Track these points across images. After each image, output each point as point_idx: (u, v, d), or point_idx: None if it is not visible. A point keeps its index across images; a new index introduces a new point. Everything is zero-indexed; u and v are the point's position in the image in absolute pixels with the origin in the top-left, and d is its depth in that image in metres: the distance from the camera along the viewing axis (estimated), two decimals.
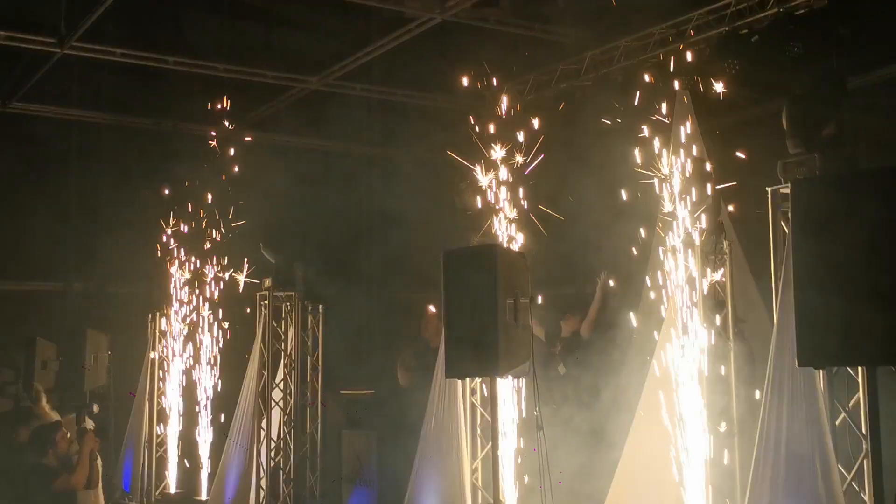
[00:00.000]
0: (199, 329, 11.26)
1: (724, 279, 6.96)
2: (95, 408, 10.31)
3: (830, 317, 4.17)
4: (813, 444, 5.40)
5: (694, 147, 7.64)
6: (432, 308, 9.41)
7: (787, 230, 5.83)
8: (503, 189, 7.97)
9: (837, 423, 5.53)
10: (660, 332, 7.18)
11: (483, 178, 7.91)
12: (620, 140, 9.85)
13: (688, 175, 7.04)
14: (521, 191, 7.99)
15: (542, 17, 11.50)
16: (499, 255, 5.81)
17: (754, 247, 7.74)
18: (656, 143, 8.01)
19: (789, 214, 4.54)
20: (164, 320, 11.90)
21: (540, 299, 6.66)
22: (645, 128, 8.15)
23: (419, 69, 12.53)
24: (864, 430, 5.34)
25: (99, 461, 8.95)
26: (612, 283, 8.69)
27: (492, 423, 6.00)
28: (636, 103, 10.20)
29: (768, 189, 5.91)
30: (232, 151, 12.00)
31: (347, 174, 12.91)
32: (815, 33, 9.92)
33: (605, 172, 9.10)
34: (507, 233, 7.66)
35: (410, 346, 9.85)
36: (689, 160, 7.46)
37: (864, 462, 5.30)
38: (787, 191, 5.78)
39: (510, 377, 6.05)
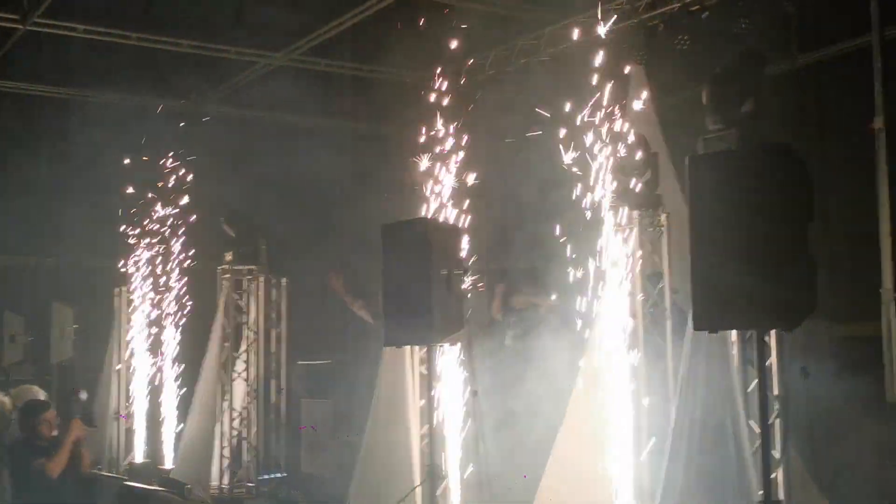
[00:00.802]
0: (163, 301, 11.42)
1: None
2: (84, 395, 10.19)
3: (721, 284, 4.44)
4: (725, 407, 5.70)
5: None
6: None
7: None
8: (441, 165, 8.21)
9: (749, 388, 5.84)
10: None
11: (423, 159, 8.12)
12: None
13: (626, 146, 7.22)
14: (452, 166, 8.25)
15: None
16: (430, 227, 6.06)
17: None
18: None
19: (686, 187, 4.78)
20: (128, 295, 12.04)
21: None
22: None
23: (382, 44, 12.67)
24: (775, 392, 5.64)
25: (87, 451, 8.62)
26: None
27: (427, 390, 6.25)
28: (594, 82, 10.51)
29: (686, 159, 6.13)
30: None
31: (307, 148, 13.07)
32: (763, 10, 10.19)
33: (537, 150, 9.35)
34: (447, 208, 7.87)
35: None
36: (631, 132, 7.64)
37: (776, 422, 5.60)
38: None
39: (447, 345, 6.29)
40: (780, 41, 10.50)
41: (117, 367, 12.03)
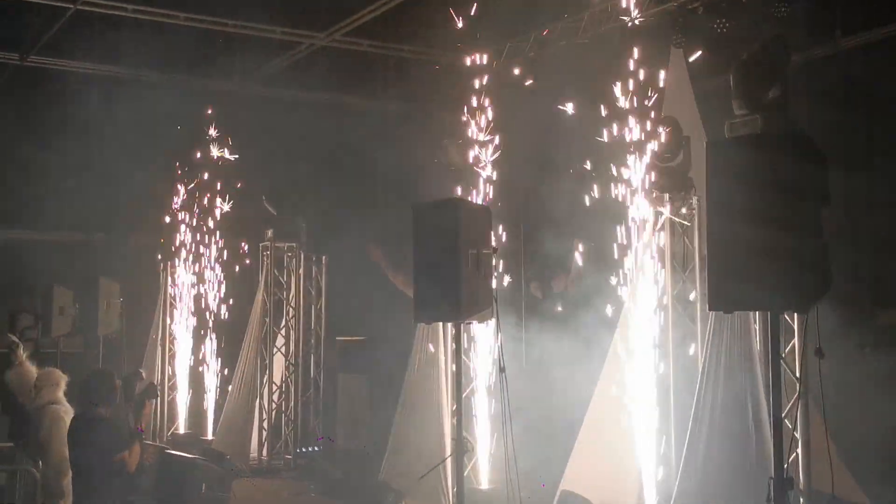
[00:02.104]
0: (206, 277, 11.69)
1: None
2: (143, 374, 10.06)
3: (737, 265, 4.54)
4: (745, 387, 5.81)
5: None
6: None
7: None
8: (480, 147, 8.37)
9: None
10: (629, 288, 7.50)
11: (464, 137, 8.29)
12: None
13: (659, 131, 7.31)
14: (490, 151, 8.41)
15: None
16: (461, 208, 6.19)
17: None
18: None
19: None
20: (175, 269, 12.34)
21: None
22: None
23: (423, 26, 12.76)
24: (797, 374, 5.74)
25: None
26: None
27: (455, 366, 6.42)
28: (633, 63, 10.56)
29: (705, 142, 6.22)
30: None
31: (348, 128, 13.23)
32: None
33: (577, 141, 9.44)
34: (484, 189, 8.04)
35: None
36: (663, 117, 7.74)
37: (799, 403, 5.69)
38: None
39: (475, 322, 6.44)
40: (821, 25, 10.44)
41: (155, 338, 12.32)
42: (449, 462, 7.67)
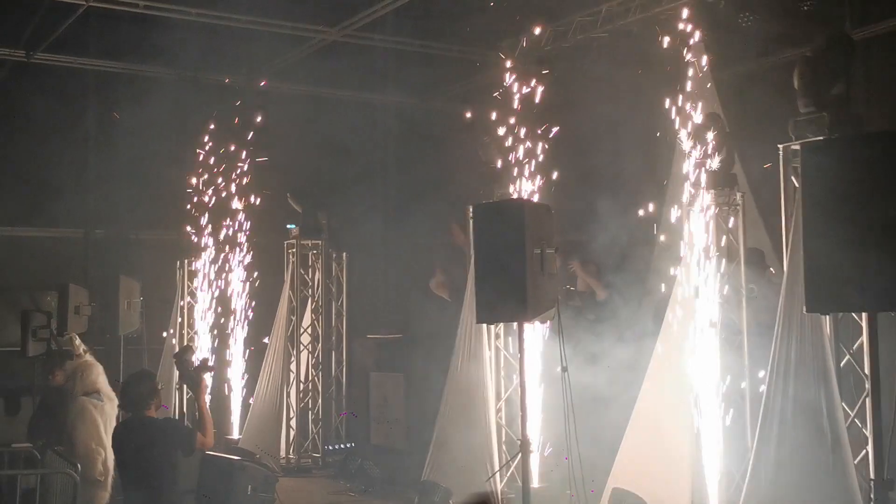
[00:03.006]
0: (230, 274, 11.60)
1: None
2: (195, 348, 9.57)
3: (836, 267, 4.56)
4: (819, 383, 5.83)
5: (700, 105, 7.87)
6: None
7: (797, 185, 6.21)
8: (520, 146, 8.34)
9: (842, 364, 5.97)
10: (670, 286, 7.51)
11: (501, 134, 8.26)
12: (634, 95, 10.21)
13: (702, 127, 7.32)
14: (540, 146, 8.37)
15: None
16: (526, 208, 6.18)
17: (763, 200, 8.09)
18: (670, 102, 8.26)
19: (799, 171, 4.87)
20: (193, 267, 12.24)
21: None
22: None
23: (435, 20, 12.73)
24: (866, 371, 5.77)
25: None
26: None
27: (519, 367, 6.41)
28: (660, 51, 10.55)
29: (779, 146, 6.26)
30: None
31: (368, 123, 13.21)
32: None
33: (620, 130, 9.45)
34: (525, 187, 8.03)
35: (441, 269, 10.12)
36: (703, 113, 7.75)
37: (867, 400, 5.72)
38: (798, 148, 6.16)
39: (537, 322, 6.45)
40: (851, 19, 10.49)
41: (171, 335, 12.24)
42: (497, 461, 7.71)
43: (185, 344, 9.42)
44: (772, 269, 8.36)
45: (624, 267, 8.73)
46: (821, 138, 5.77)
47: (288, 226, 12.83)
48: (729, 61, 10.78)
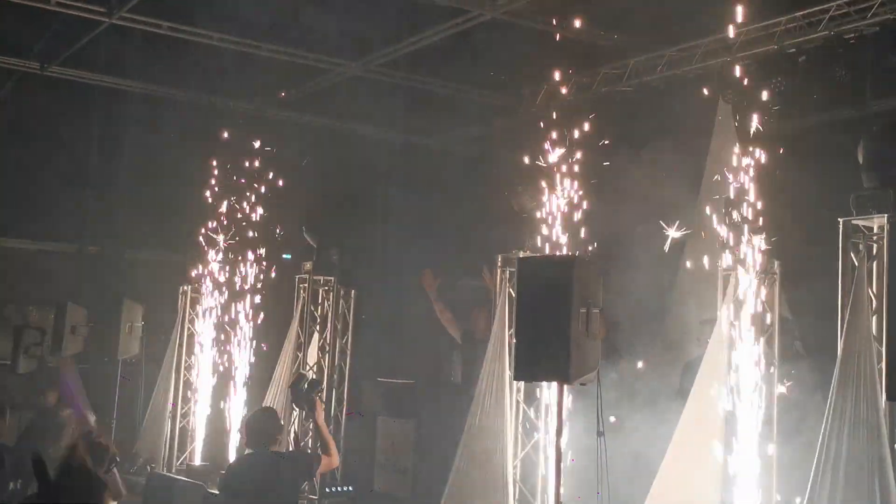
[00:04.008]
0: (235, 308, 11.37)
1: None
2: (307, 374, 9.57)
3: None
4: (873, 466, 5.66)
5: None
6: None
7: (855, 262, 6.07)
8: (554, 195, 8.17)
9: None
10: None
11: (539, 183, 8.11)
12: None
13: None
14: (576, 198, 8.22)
15: (589, 20, 11.63)
16: (576, 265, 6.01)
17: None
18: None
19: (874, 250, 4.73)
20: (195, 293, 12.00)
21: None
22: None
23: (459, 63, 12.66)
24: None
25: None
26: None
27: (557, 428, 6.21)
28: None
29: (840, 220, 6.13)
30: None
31: (385, 161, 13.08)
32: (863, 59, 10.16)
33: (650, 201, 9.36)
34: (557, 239, 7.86)
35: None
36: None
37: None
38: (860, 223, 6.03)
39: (579, 384, 6.26)
40: (885, 89, 10.44)
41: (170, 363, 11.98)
42: None
43: (298, 373, 9.43)
44: (798, 341, 8.24)
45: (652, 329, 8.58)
46: None
47: (284, 256, 12.64)
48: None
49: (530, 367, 6.15)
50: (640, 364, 8.82)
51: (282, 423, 7.11)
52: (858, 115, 10.81)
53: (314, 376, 9.16)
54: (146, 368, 12.21)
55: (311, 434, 7.90)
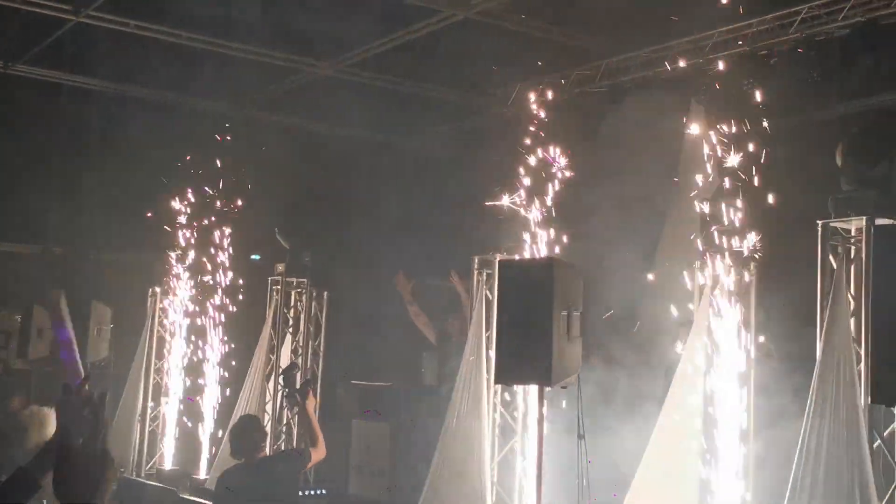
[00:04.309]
0: (207, 307, 11.24)
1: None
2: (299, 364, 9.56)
3: None
4: (853, 467, 5.68)
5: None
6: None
7: (834, 265, 6.10)
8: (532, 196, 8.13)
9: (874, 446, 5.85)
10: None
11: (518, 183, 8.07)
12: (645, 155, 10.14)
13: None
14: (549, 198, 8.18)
15: (562, 20, 11.62)
16: (555, 268, 5.98)
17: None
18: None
19: (853, 252, 4.73)
20: (166, 296, 11.86)
21: None
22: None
23: (432, 63, 12.61)
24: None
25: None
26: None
27: (538, 433, 6.18)
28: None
29: (819, 222, 6.15)
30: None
31: (359, 161, 13.00)
32: (833, 61, 10.23)
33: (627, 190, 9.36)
34: (538, 241, 7.83)
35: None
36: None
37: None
38: (839, 225, 6.05)
39: (559, 387, 6.23)
40: (855, 90, 10.52)
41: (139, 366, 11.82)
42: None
43: (291, 363, 9.37)
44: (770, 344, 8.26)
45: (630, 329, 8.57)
46: (892, 221, 5.67)
47: (252, 257, 12.52)
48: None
49: (511, 370, 6.11)
50: (615, 366, 8.80)
51: (265, 429, 6.96)
52: (838, 116, 10.92)
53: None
54: (115, 371, 12.01)
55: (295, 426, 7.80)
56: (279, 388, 7.81)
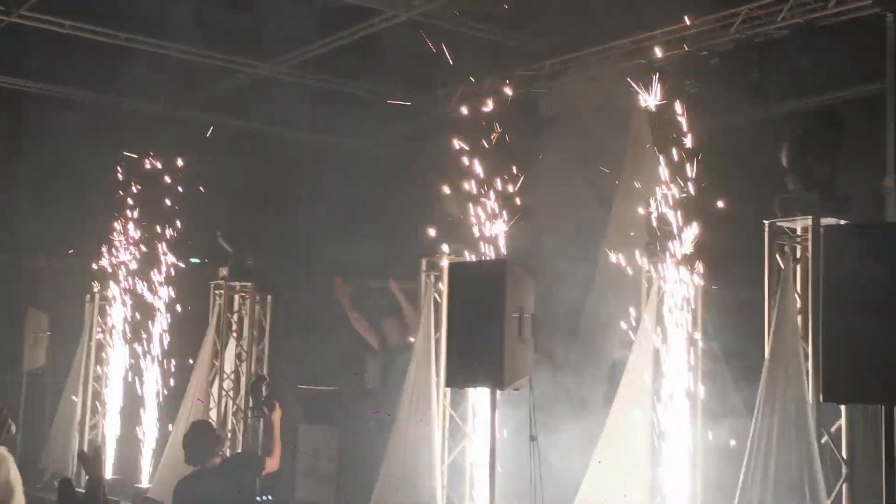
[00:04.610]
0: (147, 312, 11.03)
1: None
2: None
3: (852, 357, 4.46)
4: (802, 463, 5.75)
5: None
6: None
7: (781, 264, 6.17)
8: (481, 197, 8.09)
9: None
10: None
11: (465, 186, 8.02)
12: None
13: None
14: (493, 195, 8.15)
15: (504, 22, 11.63)
16: (507, 270, 5.96)
17: None
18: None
19: (799, 251, 4.76)
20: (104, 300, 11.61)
21: None
22: None
23: (374, 64, 12.55)
24: (843, 455, 5.72)
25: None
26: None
27: (490, 435, 6.14)
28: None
29: (765, 222, 6.21)
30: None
31: (300, 163, 12.89)
32: (772, 62, 10.38)
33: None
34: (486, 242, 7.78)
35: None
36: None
37: (843, 486, 5.67)
38: (786, 225, 6.12)
39: (511, 389, 6.20)
40: (794, 91, 10.68)
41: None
42: None
43: (259, 374, 9.25)
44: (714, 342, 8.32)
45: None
46: (843, 223, 5.75)
47: (191, 259, 12.31)
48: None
49: (462, 374, 6.08)
50: (562, 366, 8.82)
51: (218, 434, 6.91)
52: (778, 115, 11.08)
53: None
54: (53, 379, 11.74)
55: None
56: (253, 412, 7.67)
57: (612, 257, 8.04)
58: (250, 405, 7.91)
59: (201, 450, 6.86)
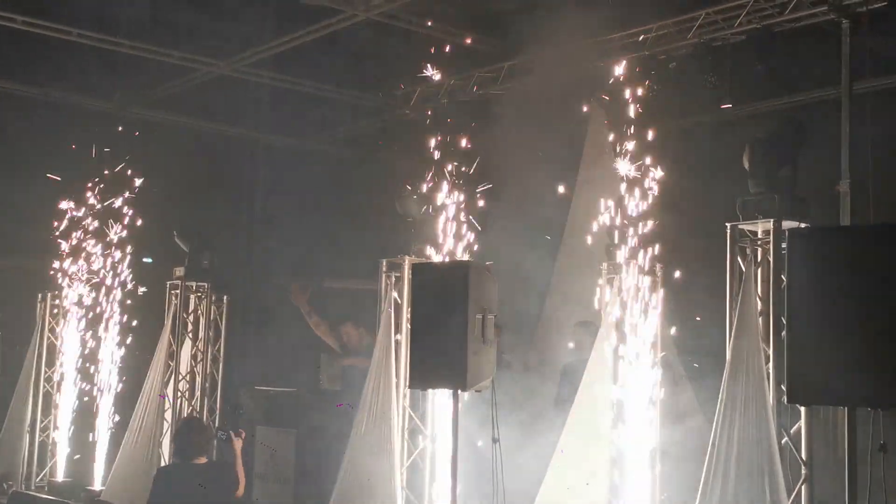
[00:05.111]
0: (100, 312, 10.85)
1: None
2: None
3: (816, 359, 4.49)
4: (763, 464, 5.80)
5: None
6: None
7: (743, 267, 6.20)
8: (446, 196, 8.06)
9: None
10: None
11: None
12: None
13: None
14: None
15: (463, 23, 11.63)
16: (471, 271, 5.93)
17: None
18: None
19: (760, 254, 4.78)
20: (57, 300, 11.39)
21: None
22: None
23: (332, 63, 12.49)
24: (803, 457, 5.77)
25: None
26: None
27: (452, 436, 6.11)
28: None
29: (727, 224, 6.24)
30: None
31: (257, 162, 12.77)
32: (729, 65, 10.49)
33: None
34: (450, 243, 7.76)
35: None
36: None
37: (803, 487, 5.73)
38: (747, 227, 6.16)
39: (474, 391, 6.17)
40: (752, 95, 10.79)
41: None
42: None
43: (236, 404, 9.22)
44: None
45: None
46: (806, 226, 5.80)
47: (144, 259, 12.14)
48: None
49: (425, 375, 6.04)
50: (519, 368, 8.84)
51: (211, 435, 7.22)
52: (735, 118, 11.20)
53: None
54: (4, 380, 11.50)
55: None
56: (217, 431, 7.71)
57: (569, 260, 8.10)
58: (219, 435, 7.83)
59: (193, 445, 6.98)
